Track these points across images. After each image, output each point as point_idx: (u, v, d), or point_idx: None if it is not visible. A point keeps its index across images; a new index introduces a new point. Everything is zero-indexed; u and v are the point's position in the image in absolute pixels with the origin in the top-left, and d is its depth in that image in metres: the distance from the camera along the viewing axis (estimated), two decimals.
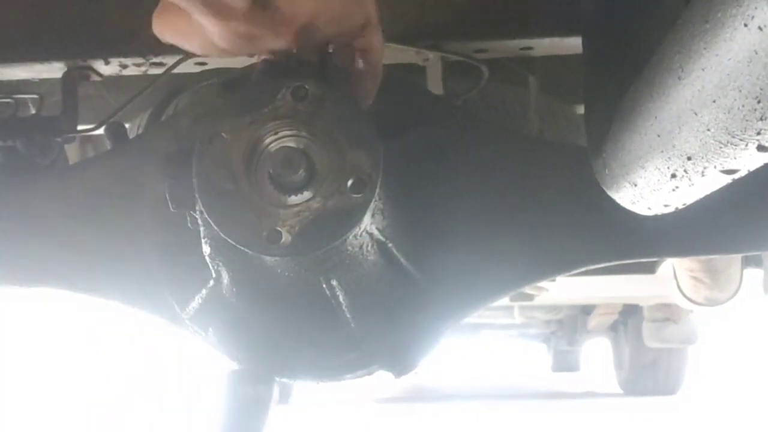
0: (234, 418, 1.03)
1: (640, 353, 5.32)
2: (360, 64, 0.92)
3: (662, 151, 0.71)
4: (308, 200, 0.87)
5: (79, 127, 1.27)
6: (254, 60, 0.93)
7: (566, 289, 3.60)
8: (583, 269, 1.14)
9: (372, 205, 0.88)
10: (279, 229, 0.86)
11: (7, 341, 8.28)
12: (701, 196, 0.76)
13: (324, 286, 0.98)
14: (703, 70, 0.58)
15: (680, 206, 0.82)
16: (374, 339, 1.05)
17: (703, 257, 2.52)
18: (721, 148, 0.61)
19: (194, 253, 1.02)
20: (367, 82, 0.94)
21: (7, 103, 1.32)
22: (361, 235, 0.93)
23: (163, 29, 0.87)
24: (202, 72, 1.28)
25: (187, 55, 1.20)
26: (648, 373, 5.40)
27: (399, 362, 1.07)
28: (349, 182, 0.87)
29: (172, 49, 0.92)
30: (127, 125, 1.41)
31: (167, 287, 1.10)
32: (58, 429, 4.94)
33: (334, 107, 0.88)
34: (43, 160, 1.24)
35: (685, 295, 2.90)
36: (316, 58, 0.89)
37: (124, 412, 5.68)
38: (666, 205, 0.83)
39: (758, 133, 0.56)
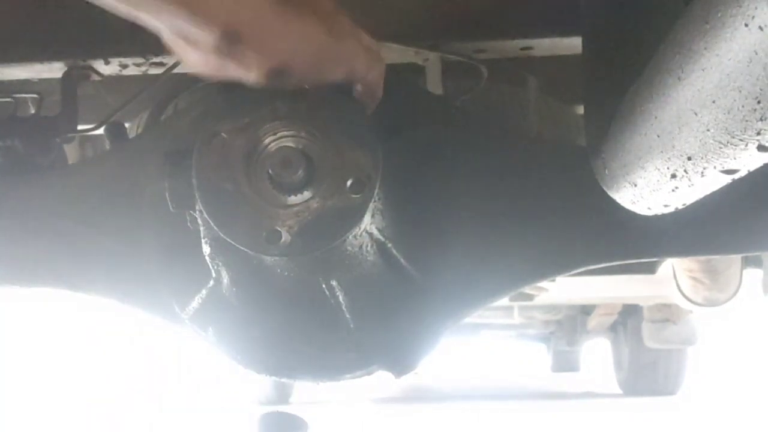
0: None
1: (639, 354, 5.31)
2: (358, 88, 0.92)
3: (662, 152, 0.71)
4: (308, 200, 0.87)
5: (79, 127, 1.27)
6: (230, 77, 0.93)
7: (566, 289, 3.60)
8: (584, 269, 1.14)
9: (371, 206, 0.88)
10: (278, 229, 0.86)
11: (7, 341, 8.28)
12: (701, 196, 0.76)
13: (323, 286, 0.98)
14: (703, 70, 0.58)
15: (680, 206, 0.82)
16: (374, 339, 1.05)
17: (702, 257, 2.52)
18: (720, 148, 0.61)
19: (194, 253, 1.02)
20: (363, 100, 0.94)
21: (7, 102, 1.32)
22: (360, 236, 0.93)
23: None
24: None
25: None
26: (648, 374, 5.40)
27: (398, 362, 1.07)
28: (349, 182, 0.87)
29: None
30: (126, 125, 1.40)
31: (167, 287, 1.10)
32: (58, 429, 4.94)
33: (334, 107, 0.88)
34: (42, 159, 1.24)
35: (684, 296, 2.89)
36: None
37: (124, 412, 5.68)
38: (666, 205, 0.83)
39: (758, 134, 0.56)
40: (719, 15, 0.53)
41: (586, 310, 5.69)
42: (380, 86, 0.95)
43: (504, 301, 2.96)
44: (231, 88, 0.90)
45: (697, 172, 0.68)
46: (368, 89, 0.93)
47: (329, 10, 0.87)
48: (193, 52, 0.80)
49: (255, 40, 0.78)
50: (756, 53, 0.50)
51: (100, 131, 1.29)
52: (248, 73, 0.82)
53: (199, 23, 0.75)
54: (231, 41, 0.77)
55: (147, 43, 1.20)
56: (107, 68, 1.24)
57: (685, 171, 0.70)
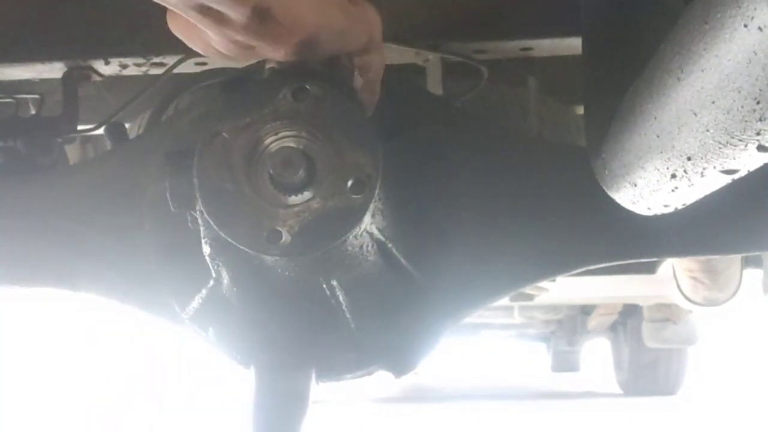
0: (268, 416, 1.01)
1: (639, 353, 5.32)
2: (358, 81, 0.92)
3: (662, 152, 0.71)
4: (308, 200, 0.87)
5: (80, 127, 1.28)
6: (254, 60, 0.93)
7: (566, 289, 3.60)
8: (584, 269, 1.14)
9: (372, 206, 0.88)
10: (279, 229, 0.86)
11: (7, 341, 8.28)
12: (701, 196, 0.76)
13: (324, 286, 0.98)
14: (702, 71, 0.58)
15: (680, 206, 0.82)
16: (374, 339, 1.05)
17: (702, 257, 2.52)
18: (720, 148, 0.61)
19: (194, 253, 1.02)
20: (363, 98, 0.94)
21: (8, 103, 1.32)
22: (361, 236, 0.93)
23: (173, 26, 0.87)
24: (203, 72, 1.28)
25: (188, 55, 1.20)
26: (648, 374, 5.40)
27: (399, 362, 1.07)
28: (349, 182, 0.87)
29: (172, 49, 0.93)
30: (127, 125, 1.40)
31: (167, 287, 1.10)
32: (58, 429, 4.94)
33: (335, 108, 0.88)
34: (43, 160, 1.25)
35: (684, 296, 2.90)
36: (325, 69, 0.89)
37: (124, 412, 5.68)
38: (666, 206, 0.83)
39: (757, 134, 0.56)
40: (718, 15, 0.53)
41: (586, 310, 5.69)
42: (379, 80, 0.95)
43: (504, 301, 2.96)
44: (232, 88, 0.90)
45: (697, 172, 0.68)
46: (369, 83, 0.93)
47: None
48: (219, 32, 0.78)
49: (285, 14, 0.77)
50: (755, 54, 0.50)
51: (101, 131, 1.29)
52: (277, 50, 0.81)
53: (230, 1, 0.74)
54: (262, 18, 0.76)
55: (147, 44, 1.20)
56: (107, 68, 1.25)
57: (685, 171, 0.70)
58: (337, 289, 0.99)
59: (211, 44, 0.83)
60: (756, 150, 0.58)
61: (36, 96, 1.35)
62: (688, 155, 0.67)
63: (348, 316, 1.02)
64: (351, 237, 0.90)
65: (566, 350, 7.99)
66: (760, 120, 0.54)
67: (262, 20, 0.76)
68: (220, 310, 1.05)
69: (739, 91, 0.54)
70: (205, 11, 0.75)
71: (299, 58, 0.83)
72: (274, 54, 0.82)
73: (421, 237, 1.08)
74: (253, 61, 0.88)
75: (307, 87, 0.87)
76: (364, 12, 0.87)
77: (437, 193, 1.11)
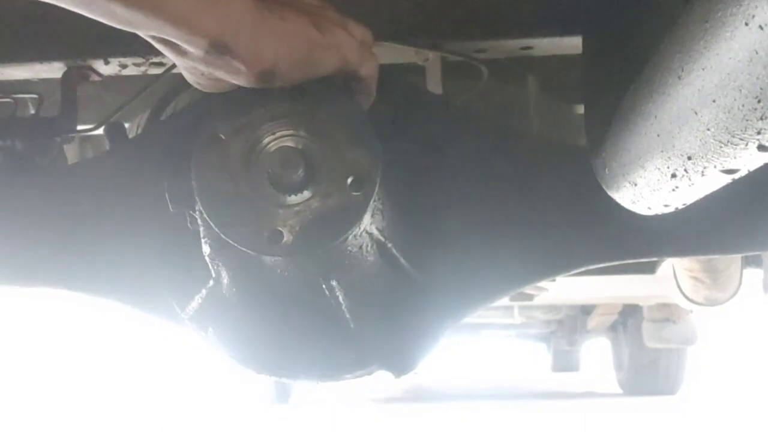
0: None
1: (639, 353, 5.32)
2: (352, 85, 0.92)
3: (662, 151, 0.71)
4: (308, 199, 0.87)
5: (79, 127, 1.27)
6: (223, 90, 0.93)
7: (566, 289, 3.60)
8: (583, 269, 1.14)
9: (372, 205, 0.88)
10: (280, 229, 0.86)
11: (7, 341, 8.28)
12: (701, 196, 0.76)
13: (324, 286, 0.98)
14: (703, 69, 0.58)
15: (680, 206, 0.82)
16: (374, 339, 1.04)
17: (703, 257, 2.52)
18: (721, 147, 0.61)
19: (194, 253, 1.02)
20: (359, 99, 0.95)
21: (7, 102, 1.32)
22: (360, 236, 0.92)
23: None
24: None
25: None
26: (648, 373, 5.41)
27: (398, 362, 1.07)
28: (349, 180, 0.87)
29: None
30: (126, 125, 1.40)
31: (167, 287, 1.10)
32: (58, 429, 4.94)
33: (332, 106, 0.88)
34: (42, 160, 1.24)
35: (685, 295, 2.89)
36: None
37: (125, 411, 5.68)
38: (666, 205, 0.82)
39: (758, 133, 0.56)
40: (719, 14, 0.53)
41: (586, 310, 5.70)
42: (374, 81, 0.95)
43: (504, 300, 2.96)
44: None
45: (698, 171, 0.68)
46: (363, 85, 0.93)
47: (313, 4, 0.87)
48: (181, 60, 0.81)
49: (241, 48, 0.79)
50: (756, 52, 0.50)
51: (100, 131, 1.29)
52: (237, 77, 0.83)
53: (186, 36, 0.76)
54: (218, 52, 0.78)
55: (146, 43, 1.19)
56: (107, 68, 1.24)
57: (686, 170, 0.70)
58: (336, 290, 0.99)
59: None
60: (756, 149, 0.58)
61: (35, 96, 1.34)
62: (689, 154, 0.67)
63: (348, 316, 1.02)
64: (351, 237, 0.89)
65: (566, 350, 7.99)
66: (761, 119, 0.54)
67: (219, 54, 0.78)
68: (220, 310, 1.05)
69: (740, 90, 0.53)
70: (165, 41, 0.78)
71: (262, 86, 0.84)
72: (235, 81, 0.84)
73: (420, 237, 1.08)
74: (223, 91, 0.88)
75: (304, 86, 0.87)
76: (335, 38, 0.87)
77: (437, 193, 1.11)
